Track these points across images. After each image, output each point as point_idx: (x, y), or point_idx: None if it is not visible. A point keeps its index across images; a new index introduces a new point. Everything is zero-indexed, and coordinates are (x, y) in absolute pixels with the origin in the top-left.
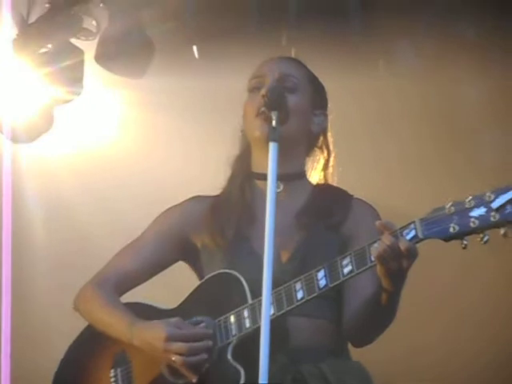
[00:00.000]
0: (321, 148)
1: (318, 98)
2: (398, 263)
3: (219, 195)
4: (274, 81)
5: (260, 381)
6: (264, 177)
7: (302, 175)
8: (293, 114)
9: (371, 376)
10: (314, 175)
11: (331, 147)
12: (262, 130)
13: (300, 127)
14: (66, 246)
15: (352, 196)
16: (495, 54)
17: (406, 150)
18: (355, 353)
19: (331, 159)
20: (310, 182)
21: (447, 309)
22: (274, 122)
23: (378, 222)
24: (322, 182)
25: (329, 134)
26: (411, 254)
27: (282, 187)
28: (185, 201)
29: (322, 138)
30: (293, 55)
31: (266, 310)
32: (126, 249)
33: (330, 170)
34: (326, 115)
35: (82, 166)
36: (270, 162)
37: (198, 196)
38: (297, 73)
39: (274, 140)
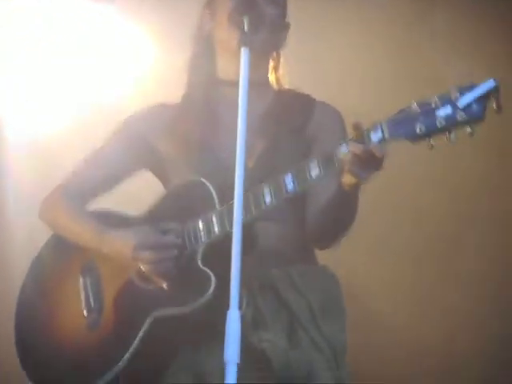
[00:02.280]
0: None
1: (284, 8)
2: (369, 171)
3: (182, 102)
4: None
5: (232, 285)
6: (229, 83)
7: (266, 82)
8: (267, 23)
9: (338, 279)
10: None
11: (279, 50)
12: (237, 36)
13: (269, 37)
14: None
15: (314, 99)
16: None
17: (370, 52)
18: None
19: (281, 60)
20: (272, 88)
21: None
22: (245, 27)
23: (353, 123)
24: (275, 83)
25: None
26: (382, 159)
27: None
28: (147, 108)
29: None
30: None
31: (238, 214)
32: (90, 157)
33: (281, 71)
34: (288, 26)
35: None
36: (242, 67)
37: (160, 104)
38: None
39: (245, 45)
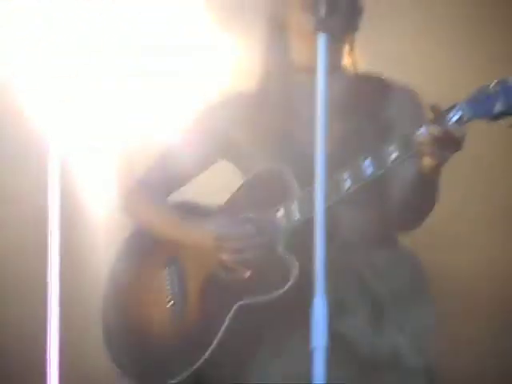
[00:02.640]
0: None
1: None
2: (449, 153)
3: (259, 90)
4: None
5: (317, 271)
6: (305, 70)
7: (340, 67)
8: (342, 7)
9: (421, 262)
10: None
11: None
12: (312, 22)
13: (344, 22)
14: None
15: (391, 82)
16: None
17: (449, 37)
18: None
19: (355, 46)
20: (347, 73)
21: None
22: (323, 13)
23: (430, 105)
24: (351, 68)
25: None
26: (462, 140)
27: None
28: (224, 99)
29: None
30: None
31: (320, 199)
32: (169, 150)
33: (356, 55)
34: (362, 10)
35: None
36: (319, 53)
37: (238, 93)
38: None
39: (323, 30)
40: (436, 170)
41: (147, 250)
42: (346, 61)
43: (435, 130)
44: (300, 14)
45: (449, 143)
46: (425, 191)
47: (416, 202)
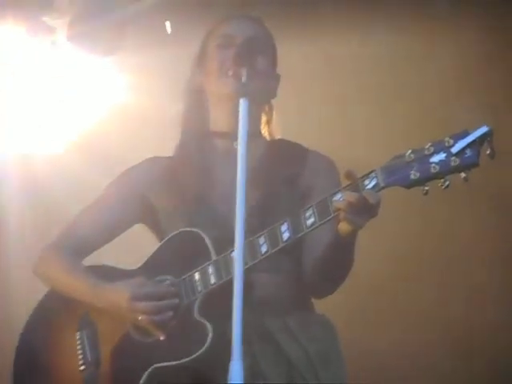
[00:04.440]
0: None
1: (275, 59)
2: (365, 218)
3: (174, 155)
4: (245, 40)
5: (234, 335)
6: (222, 135)
7: (258, 133)
8: (261, 74)
9: (336, 328)
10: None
11: (272, 102)
12: (231, 88)
13: (262, 87)
14: (41, 228)
15: (307, 148)
16: (466, 25)
17: (366, 110)
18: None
19: (274, 113)
20: (264, 139)
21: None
22: (243, 78)
23: (345, 171)
24: (268, 136)
25: None
26: (378, 206)
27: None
28: (141, 162)
29: None
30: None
31: (239, 263)
32: (85, 211)
33: (274, 124)
34: (279, 77)
35: (57, 146)
36: (240, 117)
37: (154, 157)
38: (262, 34)
39: (244, 96)
40: (352, 235)
41: (60, 311)
42: (264, 128)
43: (351, 196)
44: (216, 79)
45: (364, 209)
46: (340, 257)
47: (331, 268)
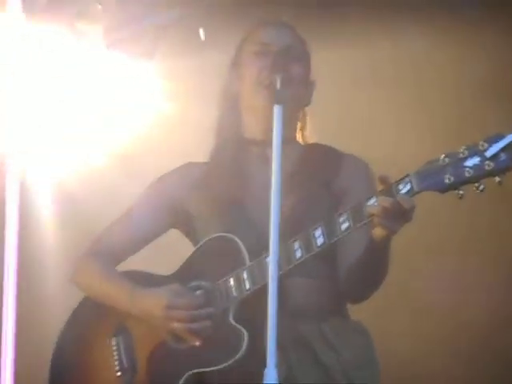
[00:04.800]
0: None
1: (309, 66)
2: (399, 223)
3: (210, 161)
4: (281, 48)
5: (268, 342)
6: (256, 142)
7: (293, 139)
8: (295, 81)
9: (371, 335)
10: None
11: (305, 108)
12: (267, 96)
13: (297, 95)
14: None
15: (342, 152)
16: (497, 32)
17: (400, 109)
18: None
19: (307, 119)
20: (298, 144)
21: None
22: (278, 85)
23: (379, 176)
24: (303, 142)
25: None
26: (412, 211)
27: None
28: (176, 168)
29: None
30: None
31: (274, 269)
32: (121, 218)
33: (308, 131)
34: (314, 84)
35: (92, 159)
36: (275, 124)
37: (190, 163)
38: (297, 42)
39: (279, 102)
40: (386, 240)
41: (95, 319)
42: (298, 134)
43: (385, 201)
44: (253, 87)
45: (398, 214)
46: (375, 262)
47: (366, 273)
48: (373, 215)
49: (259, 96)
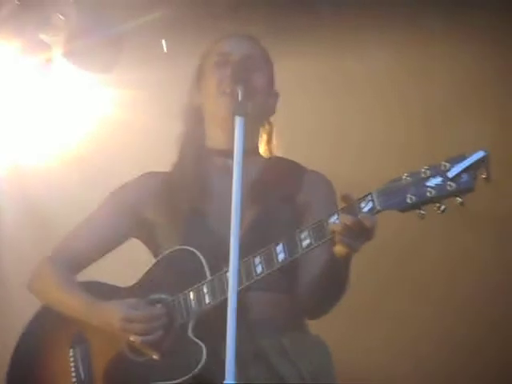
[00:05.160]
0: (263, 124)
1: (271, 76)
2: (361, 241)
3: (172, 171)
4: (241, 59)
5: (227, 355)
6: (220, 152)
7: (255, 150)
8: (257, 92)
9: (330, 350)
10: (260, 149)
11: (271, 121)
12: (228, 106)
13: (259, 105)
14: (35, 244)
15: (305, 168)
16: (464, 44)
17: (364, 125)
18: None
19: (273, 132)
20: (261, 157)
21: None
22: (239, 97)
23: (341, 195)
24: (268, 155)
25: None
26: (373, 229)
27: None
28: (137, 177)
29: None
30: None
31: (234, 284)
32: (80, 227)
33: (274, 142)
34: (277, 94)
35: (53, 164)
36: (236, 135)
37: (150, 172)
38: (257, 52)
39: (240, 114)
40: (347, 257)
41: (53, 327)
42: (265, 146)
43: (347, 219)
44: (214, 98)
45: (360, 233)
46: (335, 278)
47: (325, 289)
48: (334, 232)
49: (220, 106)
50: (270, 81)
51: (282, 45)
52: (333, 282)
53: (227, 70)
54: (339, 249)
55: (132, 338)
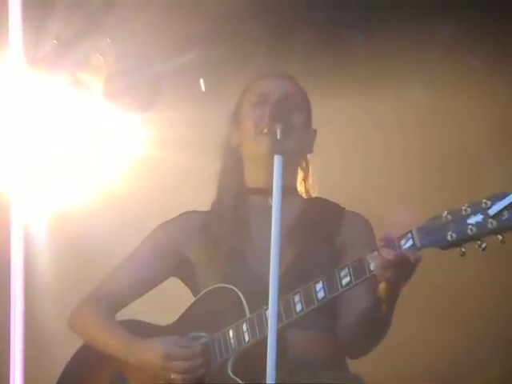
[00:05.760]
0: (300, 163)
1: (309, 114)
2: (401, 274)
3: (211, 210)
4: (279, 98)
5: None
6: (258, 191)
7: (293, 190)
8: (296, 130)
9: None
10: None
11: (308, 159)
12: (267, 146)
13: (298, 143)
14: (76, 284)
15: (343, 208)
16: (500, 85)
17: (401, 172)
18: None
19: (310, 171)
20: (300, 196)
21: (447, 319)
22: (278, 135)
23: (381, 236)
24: (304, 193)
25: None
26: (416, 263)
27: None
28: (177, 216)
29: None
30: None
31: (273, 322)
32: (120, 266)
33: (311, 181)
34: (314, 131)
35: (94, 204)
36: (275, 174)
37: (189, 211)
38: (297, 92)
39: (278, 153)
40: (391, 296)
41: (93, 366)
42: (301, 185)
43: (388, 253)
44: (252, 137)
45: (402, 267)
46: (376, 322)
47: (369, 331)
48: (377, 268)
49: (258, 145)
50: (308, 118)
51: (317, 84)
52: (376, 326)
53: (266, 110)
54: (382, 287)
55: (173, 376)
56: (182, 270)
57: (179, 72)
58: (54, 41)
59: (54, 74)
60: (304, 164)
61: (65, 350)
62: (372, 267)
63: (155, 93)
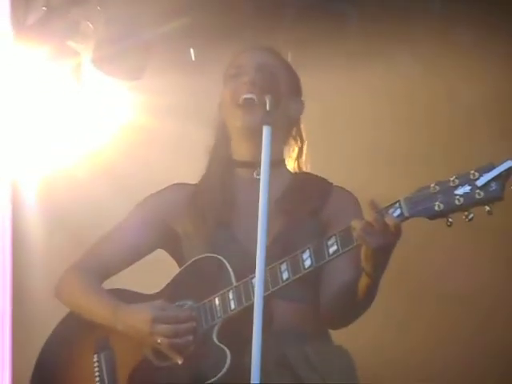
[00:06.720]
0: (295, 137)
1: (294, 85)
2: (381, 239)
3: (199, 183)
4: (256, 68)
5: (252, 362)
6: (244, 164)
7: (281, 162)
8: (276, 99)
9: (353, 359)
10: (290, 163)
11: (304, 136)
12: (244, 119)
13: (281, 114)
14: (65, 253)
15: (331, 184)
16: (489, 57)
17: (390, 144)
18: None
19: (304, 147)
20: (288, 170)
21: (433, 293)
22: (267, 106)
23: (369, 201)
24: (297, 170)
25: (302, 124)
26: (396, 231)
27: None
28: (165, 188)
29: (295, 128)
30: (289, 59)
31: (260, 288)
32: (108, 235)
33: (304, 158)
34: (302, 102)
35: (81, 172)
36: (263, 145)
37: (178, 184)
38: (273, 61)
39: (267, 123)
40: (372, 266)
41: (78, 334)
42: (292, 160)
43: (370, 216)
44: (232, 110)
45: (382, 231)
46: (359, 295)
47: (350, 305)
48: (356, 230)
49: (236, 117)
50: (292, 89)
51: (307, 56)
52: (356, 297)
53: (241, 81)
54: (363, 251)
55: (160, 340)
56: (170, 241)
57: (168, 39)
58: (44, 8)
59: (42, 41)
60: (299, 141)
61: (52, 318)
62: (356, 234)
63: (144, 60)
